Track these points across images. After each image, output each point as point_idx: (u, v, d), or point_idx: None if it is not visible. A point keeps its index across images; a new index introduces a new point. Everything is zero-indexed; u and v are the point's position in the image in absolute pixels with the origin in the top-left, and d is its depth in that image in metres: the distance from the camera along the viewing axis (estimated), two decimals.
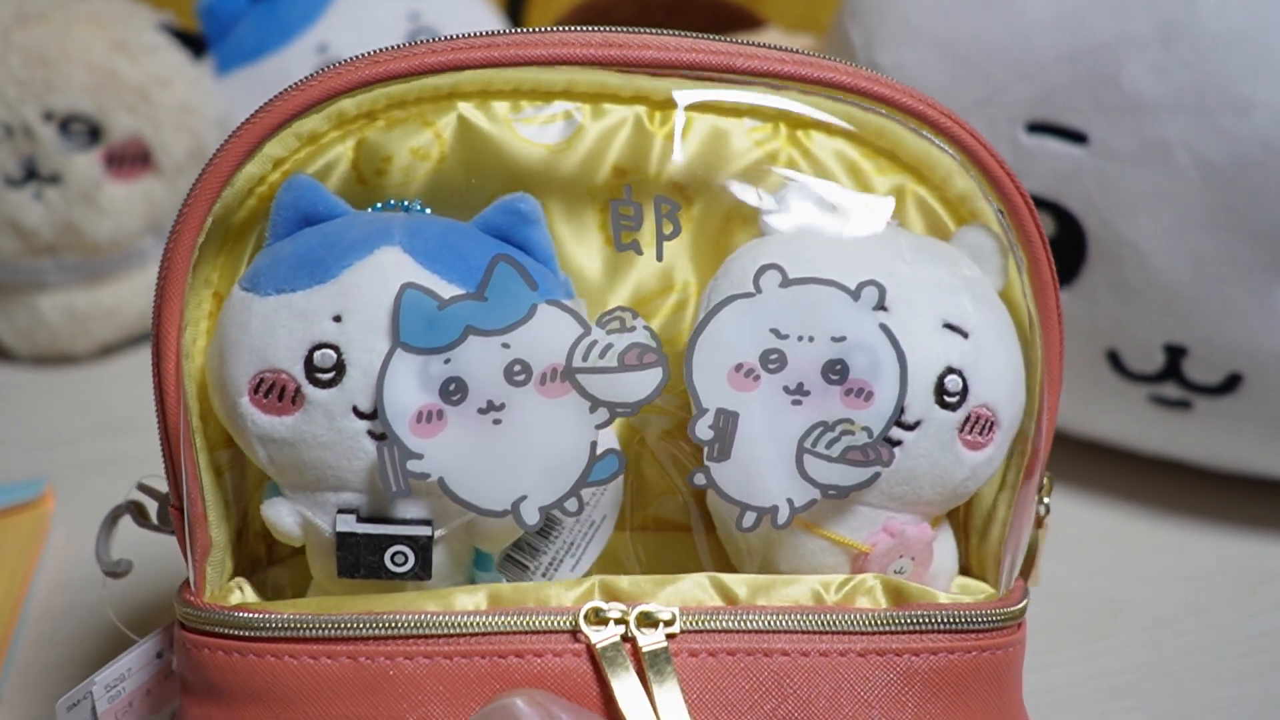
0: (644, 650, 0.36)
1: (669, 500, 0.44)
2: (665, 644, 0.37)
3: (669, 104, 0.41)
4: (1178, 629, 0.57)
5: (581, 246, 0.42)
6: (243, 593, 0.40)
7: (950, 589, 0.41)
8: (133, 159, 0.77)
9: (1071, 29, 0.57)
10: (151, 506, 0.43)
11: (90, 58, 0.74)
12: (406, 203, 0.40)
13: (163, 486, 0.41)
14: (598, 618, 0.37)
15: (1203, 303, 0.57)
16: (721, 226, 0.42)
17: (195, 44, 0.81)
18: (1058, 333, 0.40)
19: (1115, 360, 0.60)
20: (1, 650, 0.52)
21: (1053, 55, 0.58)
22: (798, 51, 0.40)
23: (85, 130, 0.75)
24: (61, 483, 0.65)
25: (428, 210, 0.40)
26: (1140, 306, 0.58)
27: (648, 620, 0.37)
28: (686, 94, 0.41)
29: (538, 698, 0.36)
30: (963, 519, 0.43)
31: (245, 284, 0.38)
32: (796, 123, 0.42)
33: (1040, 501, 0.42)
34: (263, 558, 0.44)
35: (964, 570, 0.43)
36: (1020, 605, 0.39)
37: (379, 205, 0.40)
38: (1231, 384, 0.58)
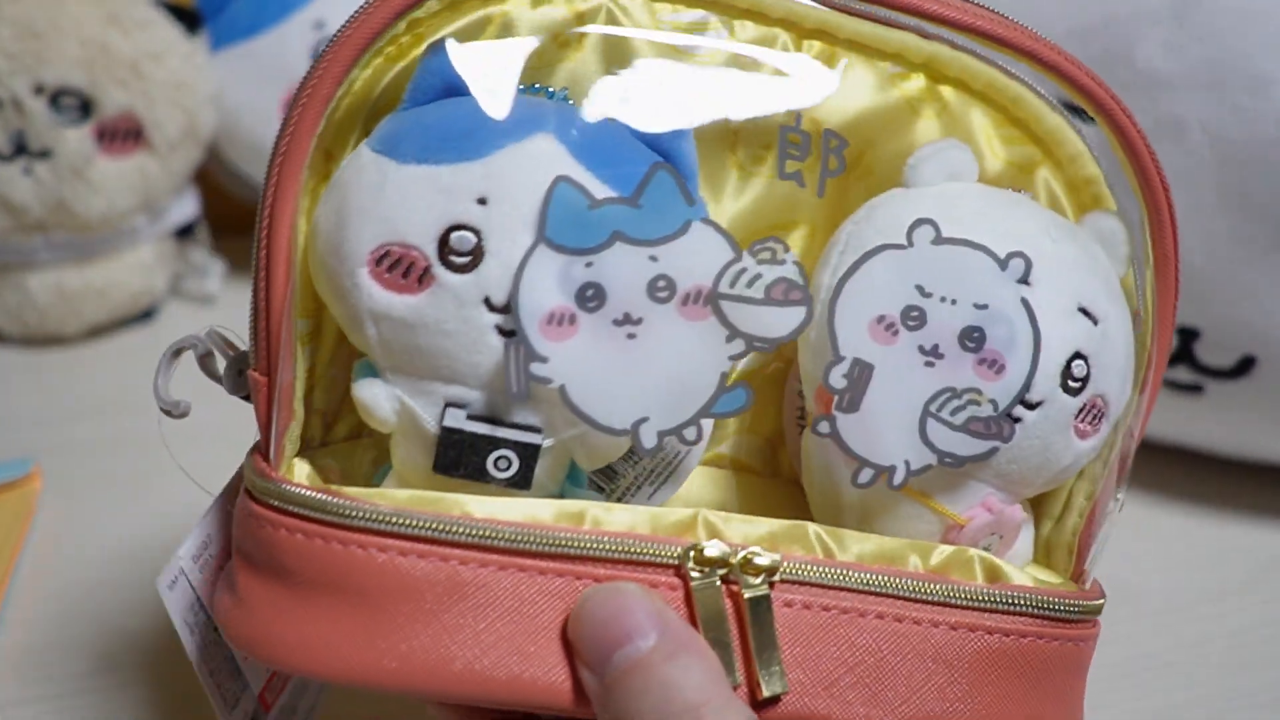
0: (744, 597, 0.35)
1: (742, 440, 0.43)
2: (767, 592, 0.35)
3: (817, 33, 0.40)
4: (1188, 615, 0.57)
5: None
6: (303, 473, 0.37)
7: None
8: (125, 135, 0.75)
9: (1082, 4, 0.56)
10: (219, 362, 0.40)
11: (82, 31, 0.72)
12: (552, 90, 0.38)
13: (237, 341, 0.38)
14: (703, 557, 0.35)
15: (1216, 284, 0.56)
16: (858, 171, 0.41)
17: (190, 19, 0.79)
18: (1167, 341, 0.40)
19: None
20: None
21: (1064, 30, 0.56)
22: None
23: (76, 105, 0.73)
24: (50, 463, 0.63)
25: (570, 102, 0.38)
26: None
27: (751, 567, 0.35)
28: (837, 21, 0.39)
29: (650, 592, 0.34)
30: (1037, 505, 0.43)
31: (378, 146, 0.35)
32: (938, 76, 0.41)
33: (1115, 496, 0.42)
34: (316, 439, 0.41)
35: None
36: (1100, 601, 0.39)
37: (522, 88, 0.37)
38: (1244, 367, 0.57)
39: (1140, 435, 0.41)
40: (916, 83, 0.41)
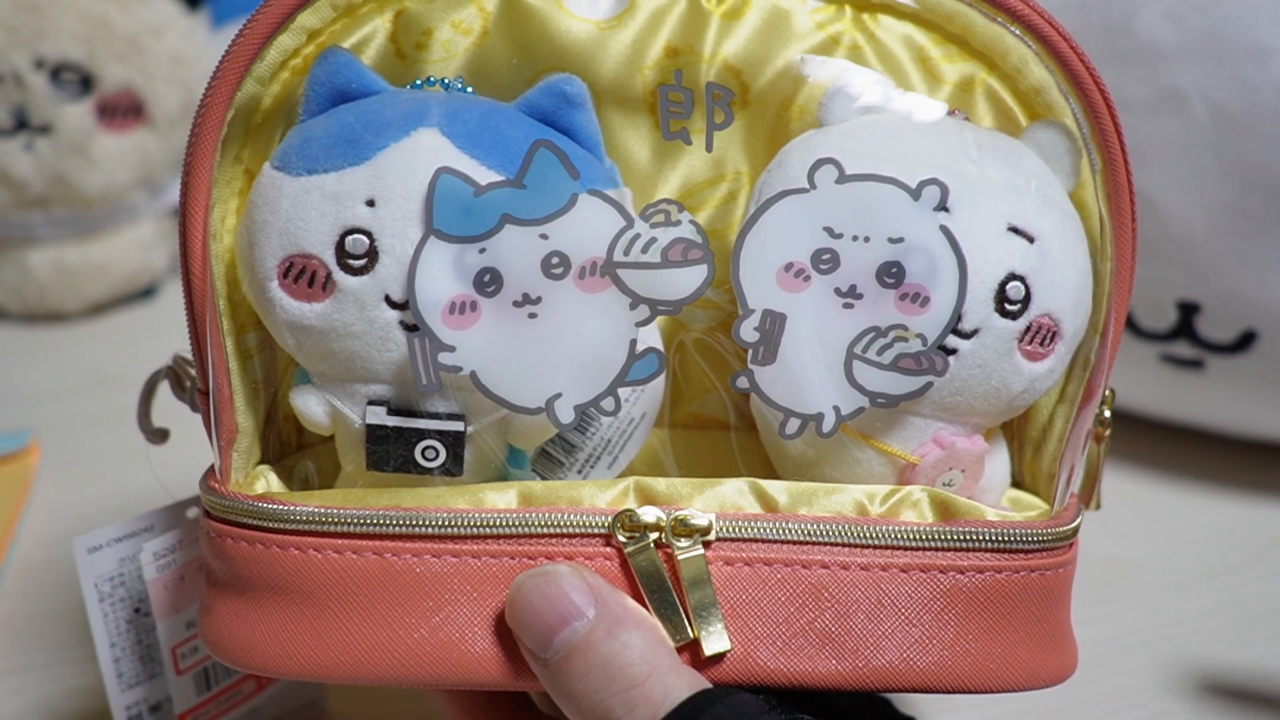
0: (679, 559, 0.35)
1: (711, 397, 0.43)
2: (701, 552, 0.35)
3: None
4: (1187, 593, 0.57)
5: (631, 132, 0.40)
6: (268, 481, 0.39)
7: (1001, 503, 0.40)
8: (125, 110, 0.75)
9: None
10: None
11: (82, 5, 0.73)
12: (447, 80, 0.38)
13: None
14: (632, 523, 0.35)
15: (1216, 257, 0.55)
16: (778, 115, 0.40)
17: None
18: (1130, 240, 0.38)
19: (1127, 318, 0.57)
20: None
21: (1063, 1, 0.55)
22: None
23: (76, 80, 0.74)
24: (48, 436, 0.65)
25: (469, 90, 0.38)
26: (1152, 262, 0.56)
27: (684, 528, 0.35)
28: None
29: (581, 570, 0.35)
30: (1017, 431, 0.42)
31: (276, 162, 0.37)
32: (862, 4, 0.39)
33: (1100, 419, 0.40)
34: (293, 442, 0.43)
35: (1017, 484, 0.41)
36: (1073, 525, 0.38)
37: (418, 82, 0.38)
38: (1245, 342, 0.57)
39: (1114, 349, 0.39)
40: (837, 16, 0.39)
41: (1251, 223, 0.54)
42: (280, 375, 0.41)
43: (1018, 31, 0.38)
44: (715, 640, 0.35)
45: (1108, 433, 0.41)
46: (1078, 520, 0.38)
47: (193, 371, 0.41)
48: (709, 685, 0.34)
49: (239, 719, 0.46)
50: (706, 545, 0.36)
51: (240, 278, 0.38)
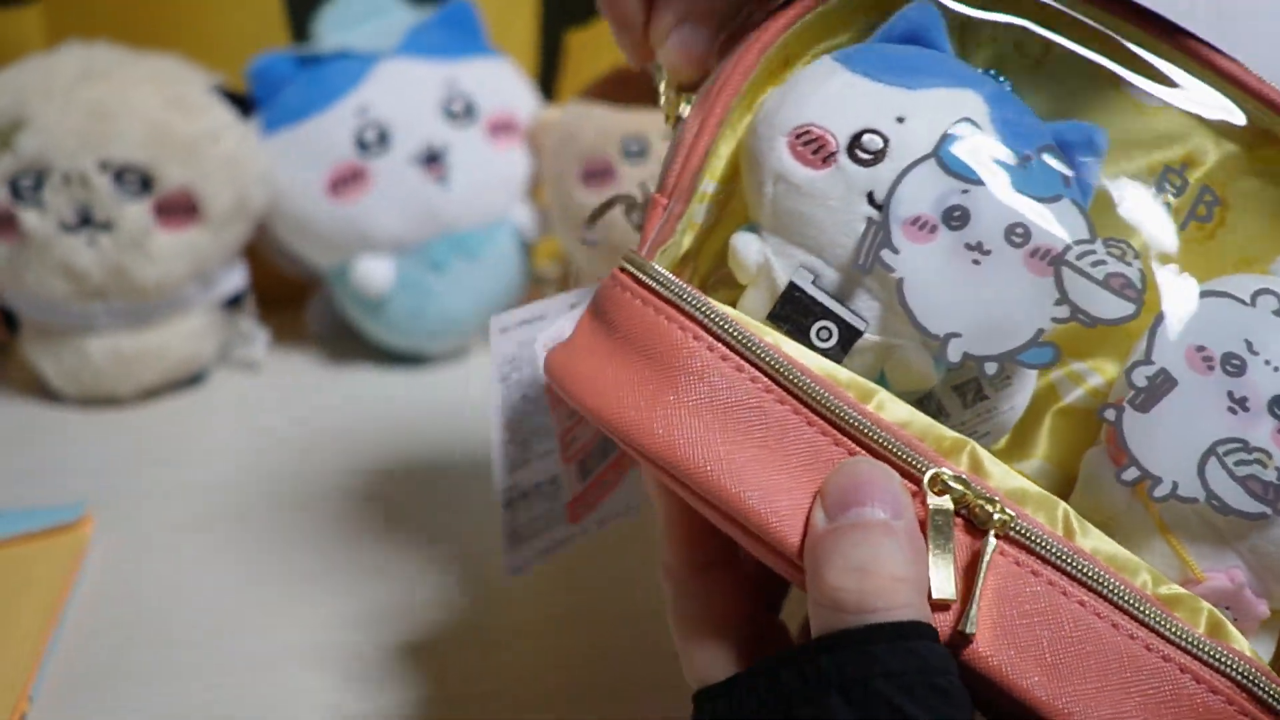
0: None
1: (1043, 466, 0.44)
2: (995, 543, 0.37)
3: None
4: None
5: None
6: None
7: None
8: (182, 210, 0.81)
9: None
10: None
11: (148, 113, 0.80)
12: (999, 75, 0.43)
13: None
14: (942, 486, 0.38)
15: None
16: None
17: (244, 104, 0.87)
18: None
19: None
20: (36, 662, 0.56)
21: None
22: None
23: (137, 180, 0.80)
24: (102, 511, 0.70)
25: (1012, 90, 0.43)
26: None
27: (982, 512, 0.37)
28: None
29: (905, 486, 0.37)
30: None
31: (839, 57, 0.42)
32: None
33: None
34: (698, 284, 0.46)
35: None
36: None
37: (978, 68, 0.43)
38: None
39: None
40: None
41: None
42: (710, 232, 0.45)
43: None
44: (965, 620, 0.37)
45: None
46: None
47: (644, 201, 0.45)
48: (931, 626, 0.36)
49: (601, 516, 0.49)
50: (1000, 537, 0.37)
51: (750, 130, 0.43)
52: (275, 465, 0.75)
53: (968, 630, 0.36)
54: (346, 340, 0.92)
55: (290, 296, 0.95)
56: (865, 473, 0.37)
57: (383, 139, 0.85)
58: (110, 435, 0.80)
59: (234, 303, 0.88)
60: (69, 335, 0.82)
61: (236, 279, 0.88)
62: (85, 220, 0.79)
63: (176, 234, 0.81)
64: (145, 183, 0.79)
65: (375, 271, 0.86)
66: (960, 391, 0.42)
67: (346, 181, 0.85)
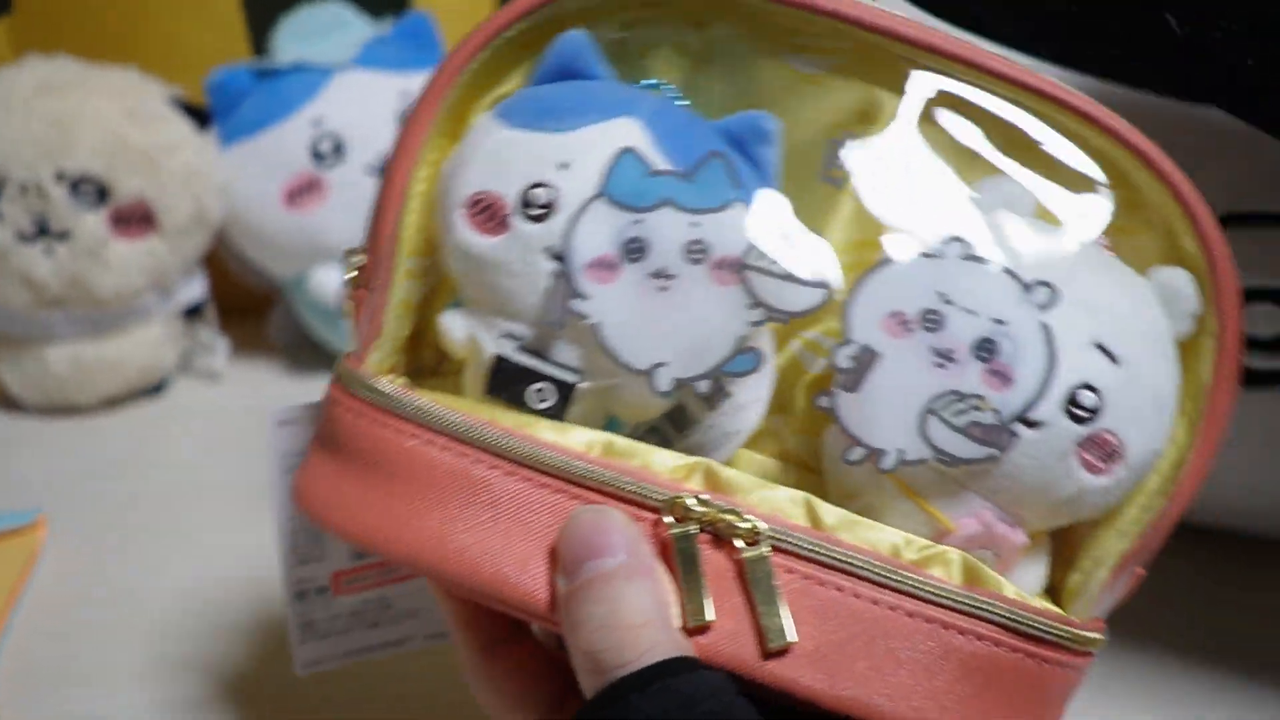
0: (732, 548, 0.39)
1: (801, 439, 0.45)
2: (747, 550, 0.39)
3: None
4: None
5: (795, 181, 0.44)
6: (394, 383, 0.43)
7: None
8: (138, 219, 0.83)
9: None
10: None
11: (105, 124, 0.81)
12: (663, 85, 0.44)
13: None
14: (684, 513, 0.39)
15: None
16: None
17: (202, 117, 0.88)
18: (1218, 429, 0.41)
19: None
20: None
21: None
22: None
23: (94, 191, 0.81)
24: (59, 518, 0.71)
25: (683, 102, 0.43)
26: None
27: (727, 526, 0.39)
28: (937, 82, 0.43)
29: (632, 524, 0.39)
30: (1061, 549, 0.43)
31: (498, 112, 0.43)
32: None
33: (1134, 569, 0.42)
34: (429, 368, 0.47)
35: (1049, 592, 0.43)
36: (1084, 632, 0.40)
37: (641, 82, 0.44)
38: None
39: (1173, 518, 0.41)
40: None
41: None
42: (430, 306, 0.46)
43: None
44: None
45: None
46: (1093, 634, 0.40)
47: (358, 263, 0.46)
48: (694, 656, 0.37)
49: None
50: (750, 544, 0.39)
51: (435, 202, 0.43)
52: (235, 474, 0.76)
53: (736, 644, 0.38)
54: (308, 350, 0.93)
55: (252, 306, 0.96)
56: (589, 523, 0.38)
57: (338, 150, 0.86)
58: (70, 443, 0.82)
59: (194, 312, 0.90)
60: (29, 344, 0.84)
61: (196, 289, 0.89)
62: (42, 230, 0.81)
63: (133, 244, 0.83)
64: (101, 193, 0.81)
65: (331, 281, 0.87)
66: (694, 405, 0.43)
67: (303, 192, 0.86)
